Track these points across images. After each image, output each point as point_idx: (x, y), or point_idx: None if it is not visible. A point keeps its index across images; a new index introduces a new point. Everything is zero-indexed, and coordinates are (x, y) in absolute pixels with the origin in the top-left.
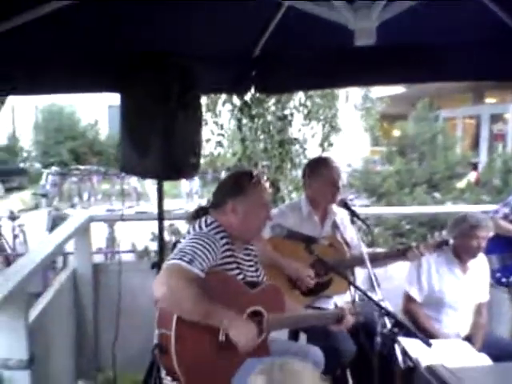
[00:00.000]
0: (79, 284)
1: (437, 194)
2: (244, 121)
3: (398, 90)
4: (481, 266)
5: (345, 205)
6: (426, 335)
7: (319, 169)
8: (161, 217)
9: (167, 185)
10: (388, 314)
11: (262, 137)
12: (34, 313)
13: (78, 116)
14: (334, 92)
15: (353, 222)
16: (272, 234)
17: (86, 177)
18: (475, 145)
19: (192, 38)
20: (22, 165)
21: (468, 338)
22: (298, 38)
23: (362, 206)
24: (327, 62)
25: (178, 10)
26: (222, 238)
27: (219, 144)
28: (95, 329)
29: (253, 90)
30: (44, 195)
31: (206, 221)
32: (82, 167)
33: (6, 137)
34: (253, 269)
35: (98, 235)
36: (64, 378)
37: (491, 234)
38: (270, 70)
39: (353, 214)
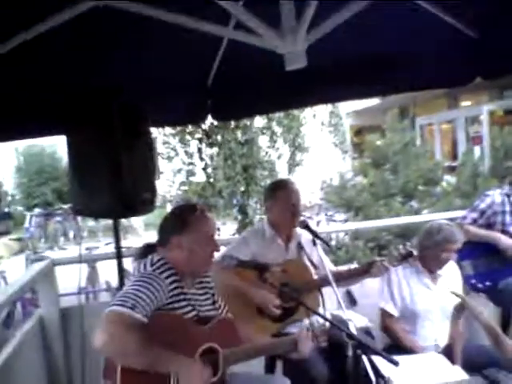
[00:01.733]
0: (47, 331)
1: (413, 203)
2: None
3: (372, 102)
4: (452, 273)
5: (306, 226)
6: (406, 350)
7: (276, 192)
8: (119, 255)
9: (154, 216)
10: (349, 336)
11: (227, 163)
12: None
13: (59, 155)
14: (293, 112)
15: (314, 243)
16: (222, 265)
17: (71, 215)
18: (454, 149)
19: (139, 73)
20: (6, 209)
21: (447, 349)
22: (246, 63)
23: (342, 220)
24: (281, 84)
25: (122, 48)
26: (168, 277)
27: (191, 173)
28: (68, 376)
29: (210, 119)
30: (19, 239)
31: (152, 260)
32: (65, 206)
33: None
34: (209, 302)
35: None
36: None
37: (460, 245)
38: (224, 98)
39: (314, 234)
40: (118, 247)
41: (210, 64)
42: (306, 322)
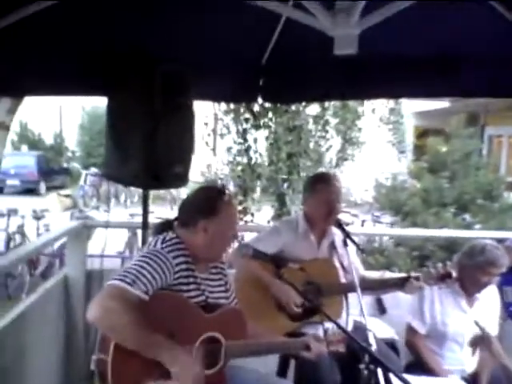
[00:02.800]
0: (71, 289)
1: (466, 216)
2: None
3: (441, 104)
4: (491, 298)
5: (339, 225)
6: (429, 370)
7: (316, 184)
8: (145, 226)
9: None
10: (364, 349)
11: (272, 148)
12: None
13: None
14: (349, 104)
15: (345, 244)
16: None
17: None
18: None
19: (192, 42)
20: (65, 165)
21: (474, 376)
22: (303, 45)
23: (388, 224)
24: (337, 72)
25: (179, 11)
26: (176, 257)
27: (239, 153)
28: (86, 337)
29: (260, 100)
30: (68, 196)
31: (164, 237)
32: None
33: (53, 136)
34: (221, 289)
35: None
36: None
37: (504, 270)
38: (277, 79)
39: (346, 235)
40: (145, 218)
41: (266, 42)
42: (325, 325)
